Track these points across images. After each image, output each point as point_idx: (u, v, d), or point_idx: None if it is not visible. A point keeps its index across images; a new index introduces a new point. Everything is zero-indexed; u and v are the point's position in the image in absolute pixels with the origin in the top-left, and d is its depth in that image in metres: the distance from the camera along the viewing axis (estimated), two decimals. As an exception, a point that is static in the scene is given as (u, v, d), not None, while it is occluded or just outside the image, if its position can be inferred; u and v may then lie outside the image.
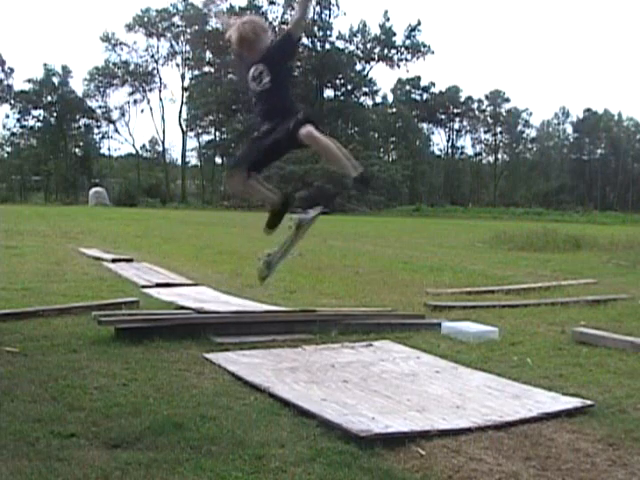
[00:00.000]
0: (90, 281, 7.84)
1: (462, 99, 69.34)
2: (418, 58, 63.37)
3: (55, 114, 62.20)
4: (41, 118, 62.85)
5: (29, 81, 60.96)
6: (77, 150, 65.11)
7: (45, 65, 62.11)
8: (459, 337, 5.15)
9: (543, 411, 3.35)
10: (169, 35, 64.70)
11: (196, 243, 14.48)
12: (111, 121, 65.21)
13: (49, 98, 61.88)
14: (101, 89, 64.60)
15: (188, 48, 65.62)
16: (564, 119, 73.33)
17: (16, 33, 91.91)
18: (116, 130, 65.38)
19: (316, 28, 63.09)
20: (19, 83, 63.65)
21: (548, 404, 3.47)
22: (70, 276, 8.21)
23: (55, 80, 62.09)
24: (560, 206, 56.31)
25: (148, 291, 7.04)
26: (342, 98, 64.01)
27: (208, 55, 65.96)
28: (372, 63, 64.54)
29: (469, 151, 72.80)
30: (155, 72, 65.31)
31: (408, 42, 63.00)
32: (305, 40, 63.46)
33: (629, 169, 70.63)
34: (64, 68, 62.48)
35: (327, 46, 63.47)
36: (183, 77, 65.49)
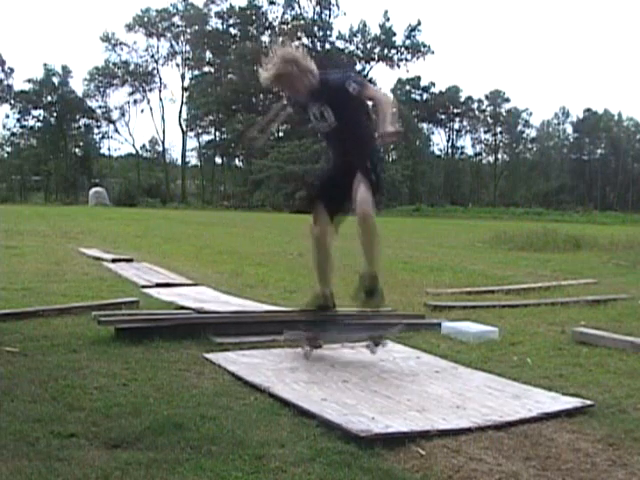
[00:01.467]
0: (90, 281, 7.83)
1: (462, 99, 69.38)
2: (418, 58, 63.50)
3: (55, 114, 62.24)
4: (41, 118, 62.91)
5: (29, 81, 61.04)
6: (77, 150, 65.15)
7: (45, 65, 62.24)
8: (459, 337, 5.15)
9: (543, 411, 3.35)
10: (169, 35, 64.75)
11: (196, 243, 14.48)
12: (111, 121, 65.29)
13: (49, 98, 61.92)
14: (101, 89, 64.67)
15: (188, 48, 65.67)
16: (564, 119, 73.40)
17: (16, 33, 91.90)
18: (116, 130, 65.50)
19: (316, 28, 63.09)
20: (19, 83, 63.81)
21: (548, 404, 3.47)
22: (70, 276, 8.21)
23: (55, 80, 62.14)
24: (560, 206, 56.35)
25: (148, 291, 7.04)
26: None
27: (208, 55, 66.03)
28: (372, 63, 64.65)
29: (469, 151, 72.82)
30: (155, 72, 65.42)
31: (408, 42, 63.07)
32: (305, 40, 63.48)
33: (629, 169, 70.66)
34: (64, 68, 62.57)
35: (327, 46, 63.50)
36: (183, 77, 65.58)
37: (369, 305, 4.09)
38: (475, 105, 70.30)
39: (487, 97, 69.93)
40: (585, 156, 71.34)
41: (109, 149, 68.18)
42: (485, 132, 71.44)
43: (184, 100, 64.47)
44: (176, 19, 64.28)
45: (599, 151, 71.83)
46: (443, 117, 69.43)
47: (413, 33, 62.70)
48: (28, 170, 61.53)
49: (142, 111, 78.41)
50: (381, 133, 3.85)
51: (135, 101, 65.02)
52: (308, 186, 4.83)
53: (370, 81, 65.38)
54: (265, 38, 65.53)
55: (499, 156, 73.00)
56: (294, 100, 4.21)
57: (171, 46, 64.94)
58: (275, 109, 4.36)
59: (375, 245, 4.05)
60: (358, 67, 64.51)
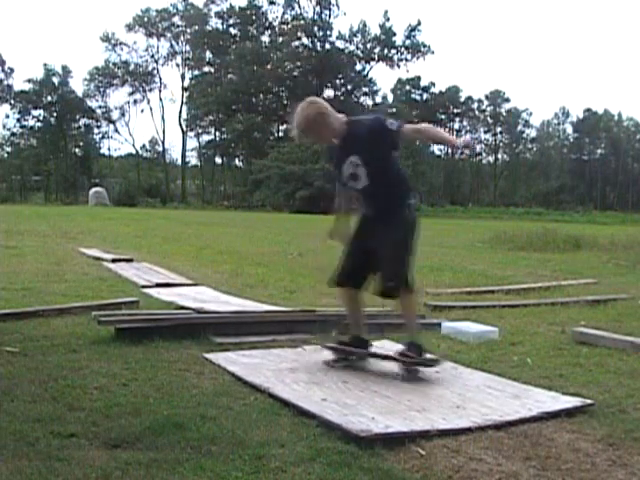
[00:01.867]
0: (90, 281, 7.83)
1: (462, 99, 69.39)
2: (418, 58, 63.50)
3: (55, 114, 62.24)
4: (41, 118, 62.90)
5: (29, 81, 61.03)
6: (77, 150, 65.15)
7: (45, 65, 62.23)
8: (459, 337, 5.16)
9: (543, 411, 3.35)
10: (169, 35, 64.76)
11: (196, 243, 14.48)
12: (111, 121, 65.29)
13: (49, 98, 61.91)
14: (101, 89, 64.67)
15: (188, 48, 65.67)
16: (564, 119, 73.41)
17: (16, 33, 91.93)
18: (116, 130, 65.50)
19: (316, 28, 63.08)
20: (19, 83, 63.85)
21: (548, 404, 3.47)
22: (70, 276, 8.21)
23: (55, 80, 62.13)
24: (560, 206, 56.33)
25: (148, 291, 7.04)
26: (342, 98, 63.95)
27: (208, 55, 66.03)
28: (372, 63, 64.65)
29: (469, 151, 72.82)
30: (155, 72, 65.43)
31: (408, 42, 63.08)
32: (305, 40, 63.53)
33: (629, 169, 70.68)
34: (64, 68, 62.56)
35: (327, 46, 63.50)
36: (183, 77, 65.58)
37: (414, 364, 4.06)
38: (475, 105, 70.34)
39: (487, 97, 69.97)
40: (585, 156, 71.34)
41: (109, 149, 68.27)
42: (485, 132, 71.48)
43: (184, 100, 64.53)
44: (176, 19, 64.31)
45: (599, 151, 71.83)
46: (443, 117, 69.41)
47: (413, 33, 62.72)
48: (28, 170, 61.53)
49: (142, 111, 78.57)
50: (457, 146, 3.96)
51: (135, 101, 65.08)
52: (338, 266, 4.67)
53: (370, 81, 65.41)
54: (265, 38, 65.58)
55: (499, 156, 73.03)
56: (330, 156, 4.24)
57: (171, 46, 64.99)
58: (343, 199, 4.36)
59: (414, 318, 4.21)
60: (358, 67, 64.56)
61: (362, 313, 4.40)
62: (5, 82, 61.26)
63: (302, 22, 63.26)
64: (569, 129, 73.55)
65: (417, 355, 4.03)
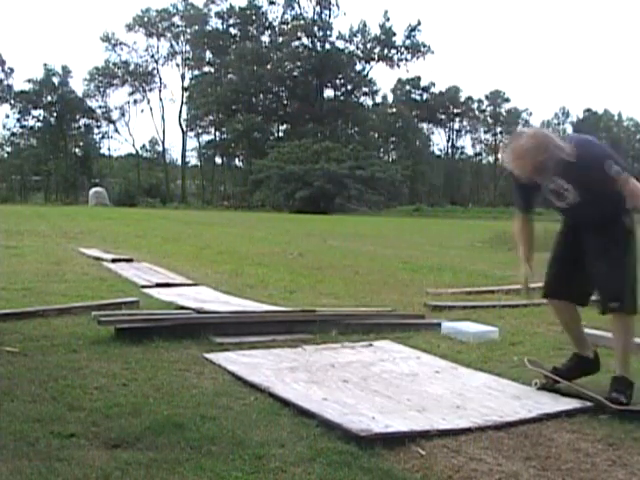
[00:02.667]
0: (90, 281, 7.83)
1: (462, 99, 69.40)
2: (418, 58, 63.54)
3: (55, 114, 62.25)
4: (41, 118, 62.92)
5: (29, 81, 61.05)
6: (77, 150, 65.15)
7: (45, 65, 62.24)
8: (459, 337, 5.15)
9: (543, 411, 3.35)
10: (169, 35, 64.77)
11: (196, 243, 14.47)
12: (111, 121, 65.31)
13: (49, 98, 61.93)
14: (101, 89, 64.68)
15: (188, 48, 65.68)
16: (564, 119, 73.45)
17: (16, 33, 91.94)
18: (116, 130, 65.52)
19: (316, 28, 63.07)
20: (19, 83, 63.85)
21: (548, 404, 3.47)
22: (70, 276, 8.21)
23: (55, 80, 62.15)
24: (560, 206, 56.22)
25: (148, 291, 7.04)
26: (342, 98, 64.04)
27: (208, 55, 66.04)
28: (372, 63, 64.67)
29: (469, 151, 72.78)
30: (155, 72, 65.45)
31: (408, 42, 63.11)
32: (305, 40, 63.54)
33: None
34: (64, 68, 62.58)
35: (327, 46, 63.51)
36: (183, 77, 65.60)
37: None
38: (475, 105, 70.35)
39: (487, 97, 69.99)
40: (585, 156, 71.26)
41: (109, 149, 68.26)
42: (485, 132, 71.48)
43: (184, 100, 64.52)
44: (176, 19, 64.31)
45: (599, 151, 71.76)
46: (443, 117, 69.44)
47: (413, 33, 62.75)
48: (28, 170, 61.53)
49: (142, 111, 78.63)
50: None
51: (135, 101, 65.08)
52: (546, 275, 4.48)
53: (370, 81, 65.44)
54: (265, 38, 65.56)
55: (499, 156, 72.97)
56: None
57: (171, 46, 64.99)
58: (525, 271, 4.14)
59: (623, 345, 3.64)
60: (358, 67, 64.57)
61: (579, 328, 3.97)
62: (5, 82, 61.30)
63: (302, 22, 63.26)
64: (569, 129, 73.51)
65: (627, 397, 3.41)
